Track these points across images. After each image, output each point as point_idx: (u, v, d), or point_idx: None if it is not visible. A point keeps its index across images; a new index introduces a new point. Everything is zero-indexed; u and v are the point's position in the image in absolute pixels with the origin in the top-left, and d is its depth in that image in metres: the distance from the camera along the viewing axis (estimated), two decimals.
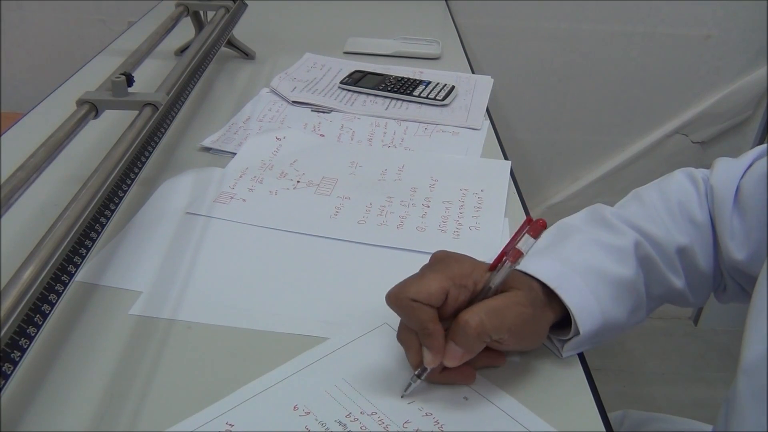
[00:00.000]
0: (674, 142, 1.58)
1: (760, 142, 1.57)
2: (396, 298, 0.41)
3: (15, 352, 0.36)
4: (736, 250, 0.49)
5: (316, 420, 0.41)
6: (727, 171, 0.52)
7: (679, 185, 0.54)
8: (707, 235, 0.52)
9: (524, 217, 0.49)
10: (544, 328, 0.45)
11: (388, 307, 0.42)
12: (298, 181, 0.69)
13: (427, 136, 0.81)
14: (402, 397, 0.43)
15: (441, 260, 0.44)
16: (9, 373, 0.35)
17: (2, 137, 0.75)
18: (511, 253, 0.42)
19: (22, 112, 0.83)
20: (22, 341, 0.36)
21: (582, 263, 0.47)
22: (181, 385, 0.43)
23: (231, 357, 0.46)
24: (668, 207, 0.52)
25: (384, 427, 0.40)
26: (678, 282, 0.52)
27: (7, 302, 0.36)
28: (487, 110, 0.89)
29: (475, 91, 0.95)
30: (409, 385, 0.43)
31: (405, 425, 0.41)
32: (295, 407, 0.41)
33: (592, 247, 0.49)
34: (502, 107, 1.50)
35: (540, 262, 0.47)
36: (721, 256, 0.51)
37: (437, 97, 0.89)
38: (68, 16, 1.46)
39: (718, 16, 1.45)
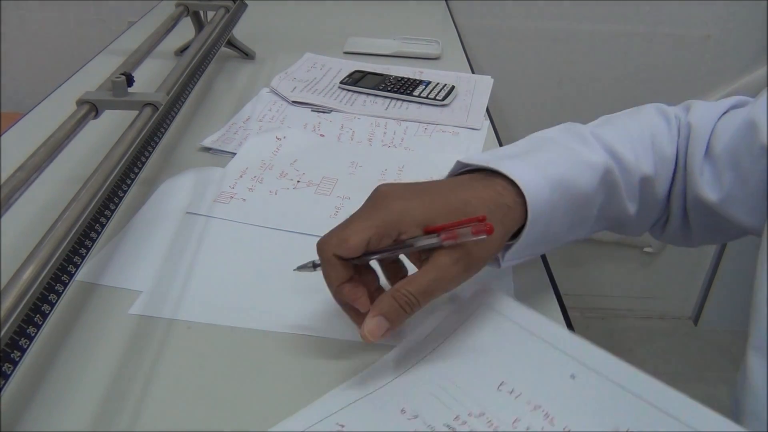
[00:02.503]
0: None
1: None
2: (319, 249, 0.43)
3: (15, 352, 0.36)
4: (709, 191, 0.50)
5: (425, 423, 0.40)
6: (706, 112, 0.53)
7: (651, 118, 0.55)
8: (670, 169, 0.53)
9: None
10: (483, 261, 0.45)
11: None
12: (298, 181, 0.69)
13: (427, 136, 0.81)
14: (294, 269, 0.45)
15: (375, 201, 0.44)
16: (9, 373, 0.35)
17: (2, 137, 0.75)
18: (448, 233, 0.42)
19: (22, 112, 0.83)
20: (22, 341, 0.36)
21: (554, 175, 0.47)
22: (180, 385, 0.43)
23: (231, 357, 0.46)
24: (640, 136, 0.53)
25: (494, 428, 0.39)
26: (631, 209, 0.53)
27: (7, 302, 0.36)
28: (487, 110, 0.89)
29: (475, 91, 0.95)
30: (307, 264, 0.45)
31: (515, 424, 0.39)
32: (402, 410, 0.41)
33: (566, 160, 0.49)
34: (502, 107, 1.50)
35: (515, 164, 0.46)
36: (688, 192, 0.53)
37: (437, 97, 0.89)
38: (68, 16, 1.46)
39: (718, 16, 1.45)
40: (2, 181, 0.45)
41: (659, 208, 0.55)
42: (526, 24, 1.45)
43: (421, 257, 0.44)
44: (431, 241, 0.42)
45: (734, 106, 0.53)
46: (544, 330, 0.45)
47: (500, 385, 0.41)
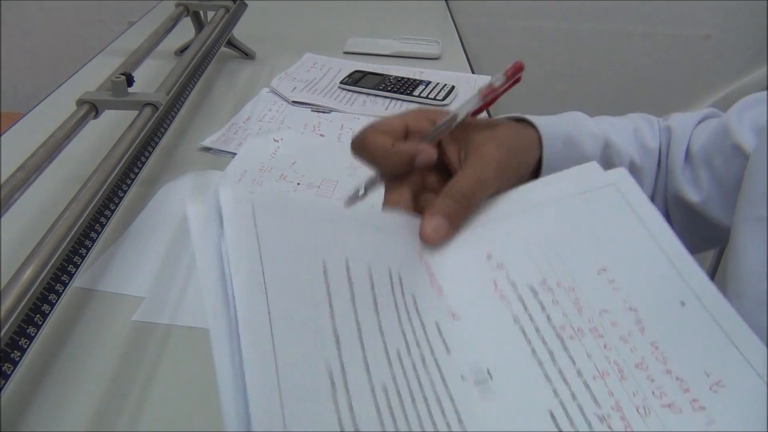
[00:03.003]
0: None
1: None
2: (358, 139, 0.41)
3: (15, 352, 0.36)
4: (691, 191, 0.52)
5: (507, 278, 0.37)
6: (684, 118, 0.55)
7: (633, 118, 0.57)
8: (653, 163, 0.54)
9: None
10: (524, 150, 0.45)
11: None
12: (299, 183, 0.68)
13: None
14: (344, 205, 0.41)
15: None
16: (9, 373, 0.35)
17: (2, 137, 0.75)
18: (485, 89, 0.41)
19: (22, 112, 0.83)
20: (22, 341, 0.37)
21: (565, 133, 0.48)
22: (181, 387, 0.43)
23: None
24: (624, 127, 0.55)
25: (577, 308, 0.35)
26: None
27: (7, 302, 0.36)
28: (488, 110, 0.89)
29: (475, 91, 0.95)
30: (356, 193, 0.42)
31: (602, 313, 0.35)
32: (489, 256, 0.38)
33: (574, 124, 0.50)
34: (502, 107, 1.50)
35: (533, 117, 0.48)
36: (669, 191, 0.54)
37: (437, 97, 0.89)
38: (68, 16, 1.46)
39: (718, 16, 1.45)
40: (2, 181, 0.45)
41: None
42: (526, 24, 1.45)
43: (460, 151, 0.43)
44: (472, 102, 0.42)
45: (707, 117, 0.56)
46: (667, 243, 0.38)
47: (602, 270, 0.37)
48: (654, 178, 0.55)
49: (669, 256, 0.37)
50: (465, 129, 0.43)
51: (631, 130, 0.55)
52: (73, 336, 0.47)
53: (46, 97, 0.87)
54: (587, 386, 0.32)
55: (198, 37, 0.83)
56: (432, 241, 0.39)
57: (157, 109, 0.62)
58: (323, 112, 0.86)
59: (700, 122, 0.55)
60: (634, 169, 0.53)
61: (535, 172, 0.48)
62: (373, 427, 0.28)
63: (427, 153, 0.41)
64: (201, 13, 0.97)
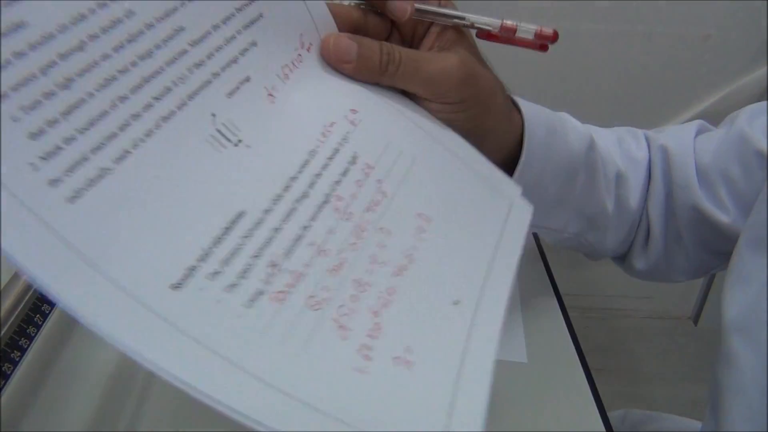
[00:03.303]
0: None
1: None
2: None
3: (15, 352, 0.36)
4: (718, 213, 0.48)
5: (347, 134, 0.34)
6: (676, 133, 0.52)
7: (616, 129, 0.55)
8: (641, 175, 0.52)
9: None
10: (487, 93, 0.40)
11: None
12: None
13: None
14: None
15: None
16: (9, 373, 0.35)
17: None
18: (509, 25, 0.38)
19: None
20: (22, 341, 0.37)
21: (550, 123, 0.45)
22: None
23: None
24: (607, 135, 0.53)
25: (367, 206, 0.32)
26: (609, 205, 0.50)
27: (7, 302, 0.36)
28: None
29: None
30: None
31: (383, 230, 0.32)
32: (354, 110, 0.36)
33: (560, 119, 0.48)
34: None
35: (520, 100, 0.46)
36: (680, 205, 0.50)
37: None
38: None
39: (718, 16, 1.45)
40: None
41: (633, 216, 0.52)
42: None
43: (433, 47, 0.39)
44: (491, 20, 0.38)
45: (701, 130, 0.52)
46: (500, 264, 0.37)
47: (422, 215, 0.34)
48: (642, 192, 0.52)
49: (490, 280, 0.34)
50: (459, 35, 0.39)
51: (615, 139, 0.52)
52: (73, 336, 0.47)
53: None
54: (298, 240, 0.29)
55: None
56: (334, 49, 0.35)
57: None
58: None
59: (696, 136, 0.52)
60: (620, 179, 0.50)
61: (511, 166, 0.44)
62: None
63: (404, 3, 0.36)
64: None
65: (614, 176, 0.50)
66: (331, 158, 0.33)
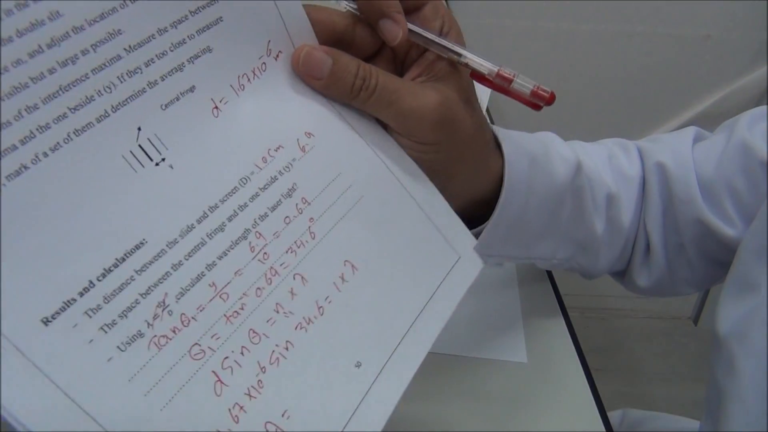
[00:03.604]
0: None
1: None
2: None
3: None
4: (723, 227, 0.47)
5: (292, 160, 0.31)
6: (672, 144, 0.50)
7: (605, 144, 0.53)
8: (634, 192, 0.50)
9: None
10: (465, 137, 0.38)
11: None
12: None
13: None
14: None
15: None
16: None
17: None
18: (506, 73, 0.36)
19: None
20: None
21: (533, 152, 0.43)
22: None
23: None
24: (597, 152, 0.51)
25: (289, 247, 0.30)
26: (599, 226, 0.48)
27: None
28: (488, 110, 0.89)
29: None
30: None
31: (296, 276, 0.29)
32: (309, 134, 0.32)
33: (543, 147, 0.46)
34: (502, 107, 1.50)
35: (502, 131, 0.44)
36: (684, 219, 0.49)
37: None
38: None
39: (718, 16, 1.45)
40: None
41: (627, 234, 0.50)
42: (525, 24, 1.45)
43: (419, 77, 0.36)
44: (487, 64, 0.36)
45: (697, 138, 0.51)
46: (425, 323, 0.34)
47: (349, 262, 0.32)
48: (636, 209, 0.50)
49: (412, 339, 0.32)
50: (450, 71, 0.37)
51: (606, 157, 0.51)
52: None
53: None
54: (197, 279, 0.27)
55: None
56: (304, 61, 0.32)
57: None
58: None
59: (694, 143, 0.50)
60: (610, 199, 0.49)
61: (489, 205, 0.41)
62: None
63: (396, 26, 0.34)
64: None
65: (604, 198, 0.48)
66: (264, 188, 0.30)
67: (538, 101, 0.36)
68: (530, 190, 0.43)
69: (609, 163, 0.50)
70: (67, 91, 0.24)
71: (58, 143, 0.24)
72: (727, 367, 0.40)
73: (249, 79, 0.31)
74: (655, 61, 1.50)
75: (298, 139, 0.32)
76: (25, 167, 0.23)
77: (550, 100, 0.36)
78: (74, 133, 0.24)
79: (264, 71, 0.32)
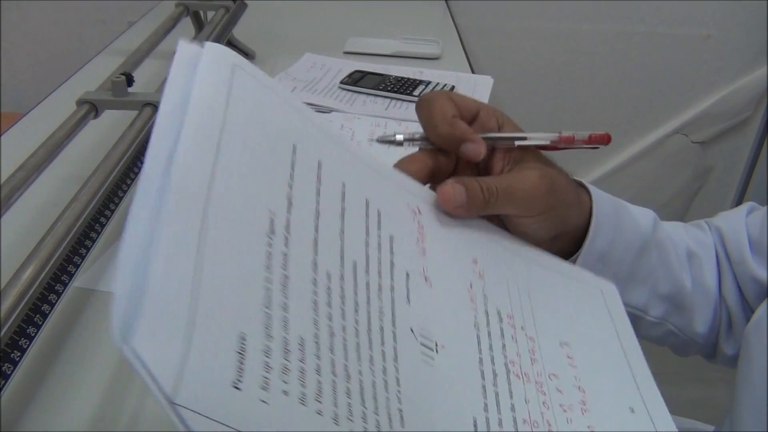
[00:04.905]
0: (674, 142, 1.58)
1: (760, 142, 1.57)
2: (426, 98, 0.40)
3: (15, 352, 0.36)
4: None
5: (483, 288, 0.35)
6: (729, 215, 0.53)
7: (673, 222, 0.54)
8: (711, 255, 0.51)
9: None
10: (564, 195, 0.42)
11: None
12: None
13: None
14: (376, 139, 0.41)
15: None
16: (9, 373, 0.35)
17: (2, 137, 0.75)
18: (566, 135, 0.41)
19: (22, 112, 0.83)
20: (22, 341, 0.37)
21: (618, 204, 0.47)
22: None
23: None
24: (670, 222, 0.52)
25: (531, 358, 0.33)
26: (687, 281, 0.49)
27: (7, 302, 0.36)
28: None
29: (475, 91, 0.95)
30: (393, 135, 0.41)
31: (551, 376, 0.33)
32: (475, 261, 0.37)
33: (624, 204, 0.48)
34: (502, 107, 1.50)
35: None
36: (742, 280, 0.50)
37: None
38: (68, 16, 1.46)
39: (718, 16, 1.45)
40: (2, 181, 0.45)
41: (714, 296, 0.51)
42: (526, 24, 1.45)
43: (504, 168, 0.42)
44: (548, 135, 0.41)
45: (753, 209, 0.53)
46: (632, 354, 0.38)
47: (564, 343, 0.36)
48: (715, 273, 0.51)
49: (631, 365, 0.36)
50: (523, 150, 0.43)
51: (679, 225, 0.52)
52: (73, 336, 0.47)
53: (46, 97, 0.87)
54: (515, 423, 0.30)
55: (198, 37, 0.83)
56: (448, 197, 0.38)
57: (157, 109, 0.61)
58: (323, 112, 0.86)
59: (748, 215, 0.52)
60: (692, 257, 0.50)
61: (578, 243, 0.44)
62: (304, 312, 0.24)
63: (477, 146, 0.40)
64: (201, 13, 0.97)
65: (685, 254, 0.49)
66: (488, 325, 0.33)
67: (598, 143, 0.41)
68: (617, 226, 0.45)
69: (684, 230, 0.52)
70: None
71: (386, 381, 0.26)
72: (744, 353, 0.41)
73: (421, 242, 0.35)
74: (655, 61, 1.50)
75: (473, 271, 0.36)
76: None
77: (608, 139, 0.41)
78: (393, 360, 0.27)
79: (422, 230, 0.36)
